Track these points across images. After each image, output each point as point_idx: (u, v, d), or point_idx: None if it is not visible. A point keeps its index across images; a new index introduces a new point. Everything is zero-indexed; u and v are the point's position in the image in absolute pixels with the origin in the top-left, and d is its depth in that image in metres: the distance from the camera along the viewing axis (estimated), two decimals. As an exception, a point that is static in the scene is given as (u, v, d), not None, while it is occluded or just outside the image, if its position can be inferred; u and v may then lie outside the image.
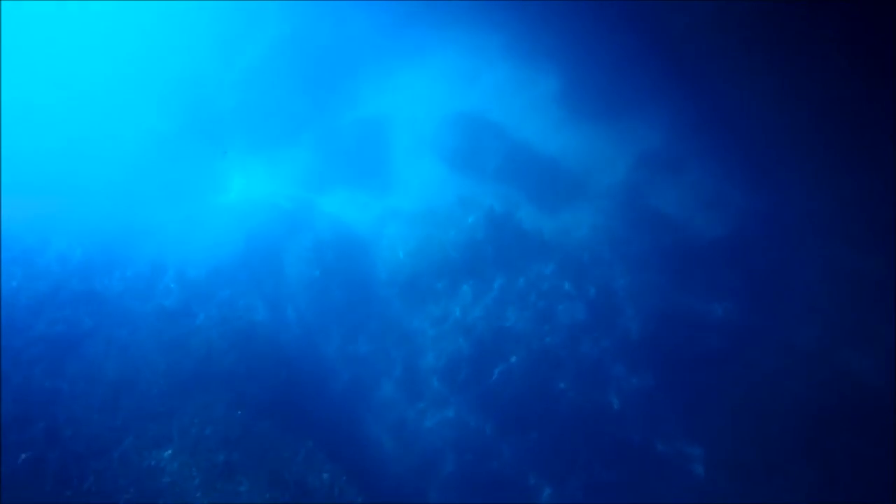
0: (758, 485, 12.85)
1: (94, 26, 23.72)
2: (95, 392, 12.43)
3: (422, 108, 20.47)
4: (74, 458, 11.69)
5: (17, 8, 23.68)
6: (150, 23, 23.69)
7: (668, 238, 16.64)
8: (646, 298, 16.02)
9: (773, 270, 15.44)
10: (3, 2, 23.32)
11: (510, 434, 14.62)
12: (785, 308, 14.96)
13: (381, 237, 18.16)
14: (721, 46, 15.43)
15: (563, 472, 13.81)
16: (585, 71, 17.15)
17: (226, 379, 12.75)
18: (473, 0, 18.41)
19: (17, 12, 23.78)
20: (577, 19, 15.29)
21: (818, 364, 13.79)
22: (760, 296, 15.29)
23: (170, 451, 11.89)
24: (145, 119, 22.40)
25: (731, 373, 14.39)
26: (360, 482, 12.85)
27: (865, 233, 14.71)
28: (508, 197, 17.83)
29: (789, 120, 15.33)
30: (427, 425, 15.02)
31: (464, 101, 19.45)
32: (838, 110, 14.47)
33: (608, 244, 16.68)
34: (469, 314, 16.16)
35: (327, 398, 15.35)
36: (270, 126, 21.55)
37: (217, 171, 20.93)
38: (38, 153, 21.21)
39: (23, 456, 11.43)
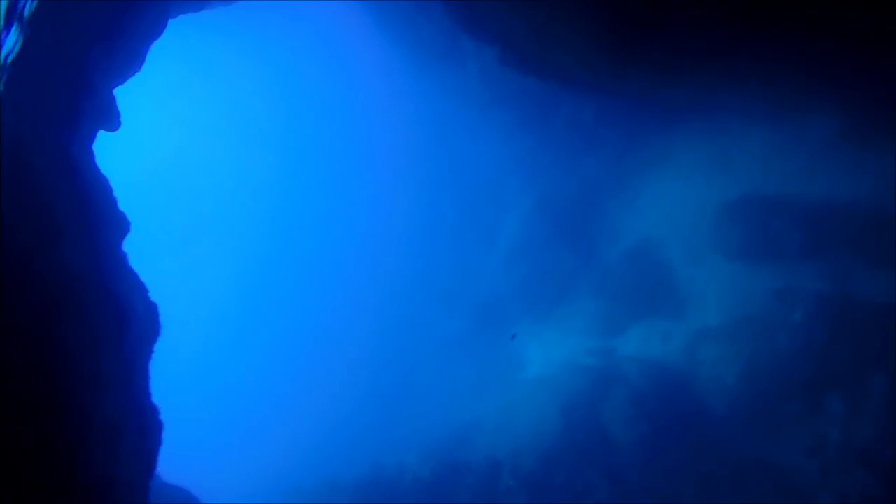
0: None
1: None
2: None
3: (687, 210, 18.72)
4: None
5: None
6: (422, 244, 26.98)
7: None
8: None
9: None
10: None
11: None
12: None
13: (699, 365, 15.99)
14: None
15: None
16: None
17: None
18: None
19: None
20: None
21: None
22: None
23: None
24: (439, 323, 24.76)
25: None
26: None
27: None
28: (835, 270, 14.27)
29: None
30: None
31: (727, 187, 17.20)
32: None
33: None
34: (856, 433, 12.49)
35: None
36: (546, 288, 21.87)
37: (513, 351, 21.62)
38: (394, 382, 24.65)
39: None
